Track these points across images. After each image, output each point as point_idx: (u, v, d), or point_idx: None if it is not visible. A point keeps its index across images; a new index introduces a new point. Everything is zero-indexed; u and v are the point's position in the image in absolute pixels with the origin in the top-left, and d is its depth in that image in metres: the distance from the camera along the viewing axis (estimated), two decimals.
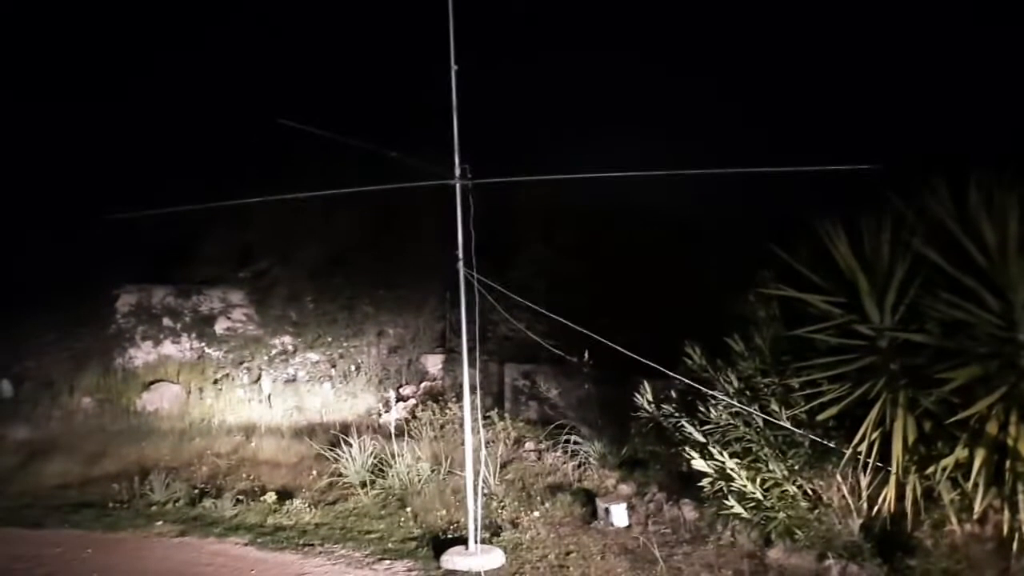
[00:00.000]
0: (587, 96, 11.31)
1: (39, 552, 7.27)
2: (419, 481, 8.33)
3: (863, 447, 5.68)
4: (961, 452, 5.30)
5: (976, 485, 5.27)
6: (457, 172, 6.60)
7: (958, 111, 7.47)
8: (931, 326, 5.46)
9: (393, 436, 8.89)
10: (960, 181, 5.44)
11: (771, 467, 6.13)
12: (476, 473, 6.61)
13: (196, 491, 8.80)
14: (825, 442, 5.89)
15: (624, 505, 7.21)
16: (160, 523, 8.03)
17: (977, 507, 5.34)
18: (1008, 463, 5.10)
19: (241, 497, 8.45)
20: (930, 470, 5.47)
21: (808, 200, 6.72)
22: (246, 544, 7.39)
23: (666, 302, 8.92)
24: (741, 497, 6.19)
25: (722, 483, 6.31)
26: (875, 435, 5.66)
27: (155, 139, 13.23)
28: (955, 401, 5.28)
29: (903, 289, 5.65)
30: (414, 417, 10.43)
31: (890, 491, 5.69)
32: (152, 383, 12.69)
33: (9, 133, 13.20)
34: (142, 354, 13.34)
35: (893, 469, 5.61)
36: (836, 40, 9.10)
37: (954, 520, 5.54)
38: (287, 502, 8.24)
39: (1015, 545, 5.20)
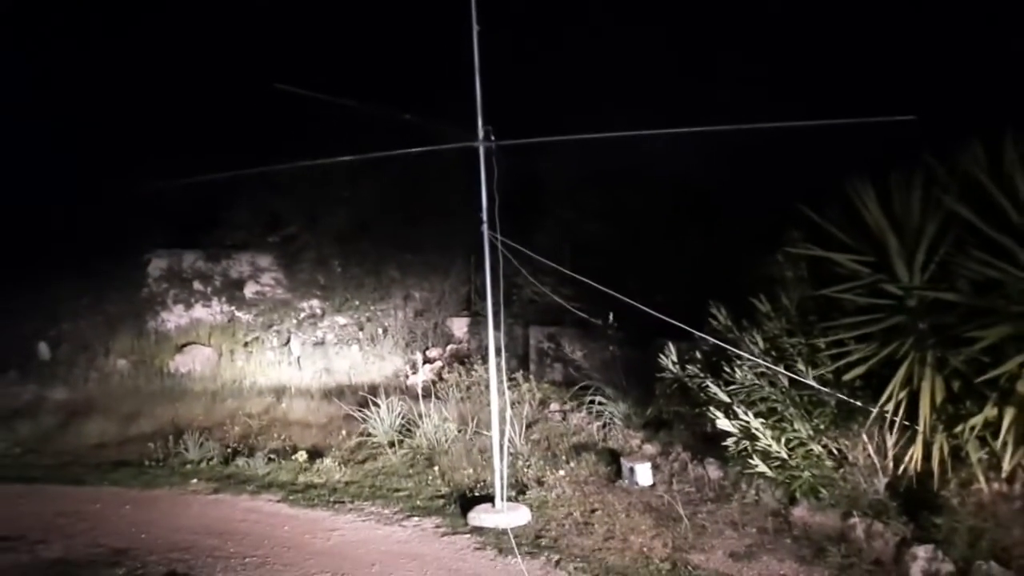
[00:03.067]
0: (612, 65, 11.16)
1: (80, 508, 7.50)
2: (446, 441, 8.45)
3: (890, 406, 5.66)
4: (990, 411, 5.26)
5: (1005, 444, 5.24)
6: (480, 134, 6.59)
7: (993, 66, 7.27)
8: (961, 284, 5.40)
9: (420, 397, 9.00)
10: (995, 137, 5.34)
11: (796, 427, 6.13)
12: (502, 433, 6.68)
13: (229, 450, 9.00)
14: (851, 401, 5.87)
15: (648, 464, 7.26)
16: (195, 481, 8.24)
17: (1006, 466, 5.33)
18: None
19: (273, 456, 8.64)
20: (958, 429, 5.43)
21: (837, 161, 6.63)
22: (278, 501, 7.56)
23: (691, 265, 8.88)
24: (766, 456, 6.21)
25: (747, 443, 6.32)
26: (902, 394, 5.64)
27: (184, 105, 13.30)
28: (984, 360, 5.23)
29: (933, 248, 5.58)
30: (440, 379, 10.56)
31: (917, 450, 5.68)
32: (184, 346, 12.94)
33: (40, 100, 13.35)
34: (174, 317, 13.60)
35: (920, 428, 5.58)
36: None
37: (982, 479, 5.52)
38: (318, 461, 8.41)
39: None
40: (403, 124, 6.70)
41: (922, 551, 5.22)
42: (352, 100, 6.84)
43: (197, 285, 13.79)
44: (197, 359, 12.67)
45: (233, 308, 13.70)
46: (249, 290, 13.82)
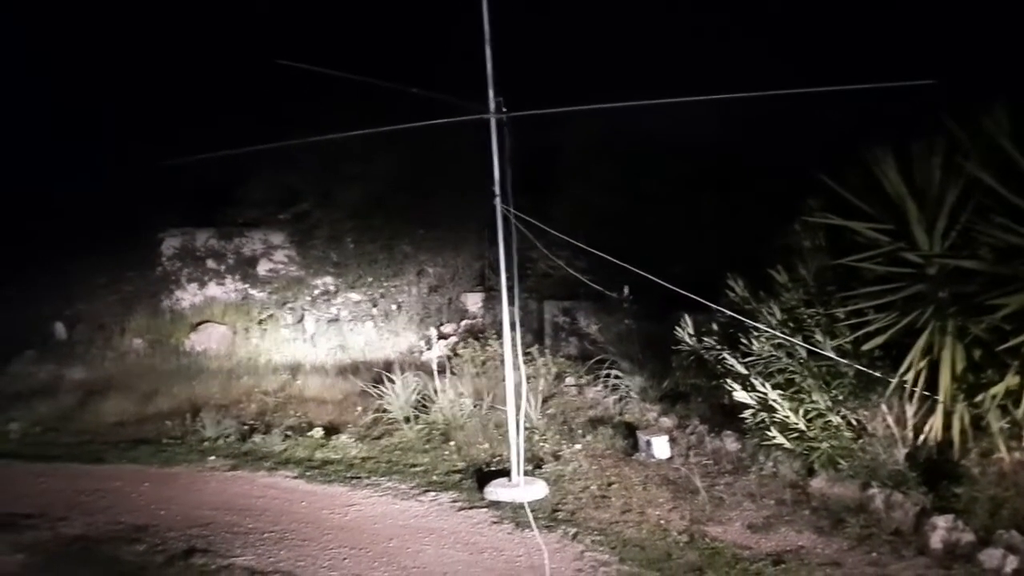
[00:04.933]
0: (626, 33, 11.00)
1: (101, 486, 7.56)
2: (462, 416, 8.45)
3: (909, 376, 5.62)
4: (1012, 379, 5.21)
5: None
6: (492, 106, 6.50)
7: (1016, 28, 7.10)
8: (983, 252, 5.32)
9: (435, 373, 8.99)
10: (1018, 100, 5.22)
11: (814, 398, 6.09)
12: (518, 408, 6.67)
13: (246, 427, 9.03)
14: (870, 372, 5.82)
15: (665, 437, 7.25)
16: (213, 458, 8.29)
17: None
18: None
19: (289, 433, 8.66)
20: (979, 398, 5.40)
21: (856, 126, 6.52)
22: (296, 477, 7.59)
23: (707, 235, 8.80)
24: (783, 428, 6.18)
25: (764, 415, 6.29)
26: (922, 364, 5.60)
27: (195, 83, 13.26)
28: (1006, 328, 5.17)
29: (954, 215, 5.50)
30: (455, 354, 10.55)
31: (937, 420, 5.64)
32: (199, 324, 12.97)
33: (52, 78, 13.35)
34: (188, 296, 13.65)
35: (940, 398, 5.55)
36: None
37: (1003, 448, 5.48)
38: (334, 437, 8.44)
39: None
40: (416, 99, 6.61)
41: (942, 521, 5.21)
42: (360, 75, 6.77)
43: (210, 263, 13.81)
44: (212, 337, 12.72)
45: (247, 286, 13.73)
46: (262, 268, 13.83)
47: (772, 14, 9.49)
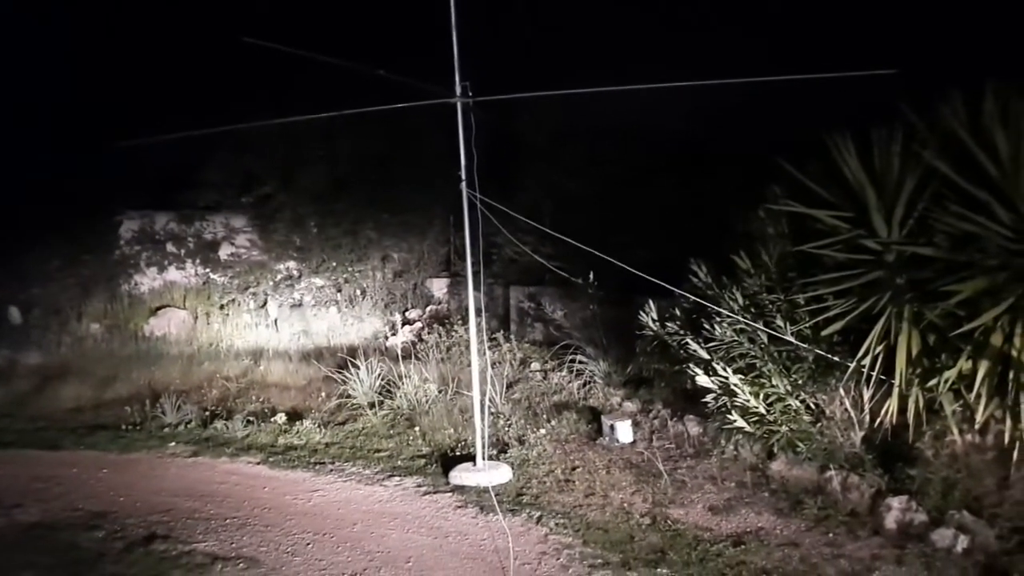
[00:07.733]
0: (590, 19, 11.00)
1: (56, 472, 7.44)
2: (427, 401, 8.45)
3: (867, 361, 5.73)
4: (965, 364, 5.34)
5: (979, 396, 5.33)
6: (458, 90, 6.49)
7: (975, 17, 7.22)
8: (939, 239, 5.42)
9: (400, 358, 8.98)
10: (975, 91, 5.32)
11: (774, 382, 6.17)
12: (483, 393, 6.70)
13: (207, 413, 8.94)
14: (829, 356, 5.92)
15: (629, 422, 7.32)
16: (173, 444, 8.20)
17: (979, 417, 5.41)
18: (1012, 373, 5.13)
19: (252, 419, 8.59)
20: (933, 382, 5.51)
21: (818, 115, 6.58)
22: (258, 463, 7.54)
23: (672, 222, 8.85)
24: (744, 412, 6.26)
25: (726, 399, 6.36)
26: (879, 349, 5.71)
27: (155, 63, 12.98)
28: (960, 314, 5.29)
29: (912, 202, 5.60)
30: (420, 340, 10.53)
31: (892, 404, 5.76)
32: (159, 309, 12.79)
33: (10, 58, 12.95)
34: (148, 280, 13.41)
35: (896, 382, 5.66)
36: None
37: (955, 431, 5.62)
38: (297, 423, 8.38)
39: (1015, 454, 5.28)
40: (379, 82, 6.56)
41: (896, 502, 5.33)
42: (325, 55, 6.68)
43: (170, 247, 13.58)
44: (172, 322, 12.54)
45: (208, 270, 13.53)
46: (224, 252, 13.63)
47: (737, 3, 9.55)
